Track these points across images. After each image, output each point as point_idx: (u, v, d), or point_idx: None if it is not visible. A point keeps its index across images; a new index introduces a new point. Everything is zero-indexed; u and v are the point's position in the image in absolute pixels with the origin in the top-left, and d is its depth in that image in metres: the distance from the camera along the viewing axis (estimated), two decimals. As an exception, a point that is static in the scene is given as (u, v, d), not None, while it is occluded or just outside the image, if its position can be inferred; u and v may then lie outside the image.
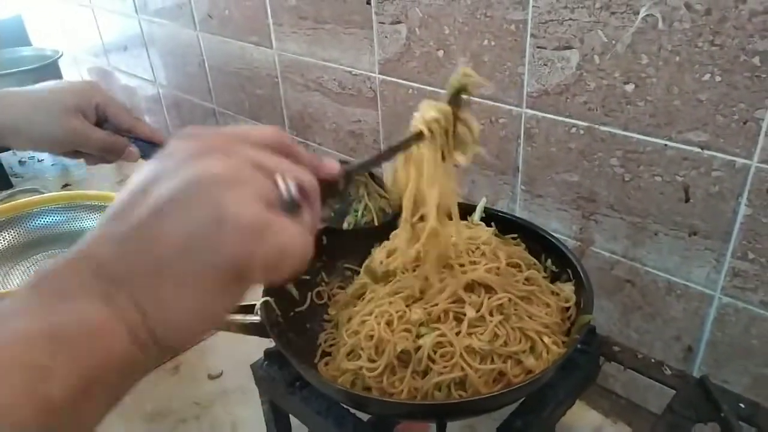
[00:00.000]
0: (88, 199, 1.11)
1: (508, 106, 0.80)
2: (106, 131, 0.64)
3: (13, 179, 1.53)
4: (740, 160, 0.62)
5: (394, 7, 0.87)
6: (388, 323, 0.62)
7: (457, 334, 0.60)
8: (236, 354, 0.90)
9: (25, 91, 0.63)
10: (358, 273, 0.76)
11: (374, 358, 0.61)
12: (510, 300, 0.63)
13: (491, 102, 0.81)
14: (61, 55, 1.56)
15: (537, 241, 0.73)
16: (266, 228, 0.29)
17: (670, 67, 0.63)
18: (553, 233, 0.73)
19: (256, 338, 0.66)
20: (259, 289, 0.67)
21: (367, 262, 0.74)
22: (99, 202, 1.10)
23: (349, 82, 1.02)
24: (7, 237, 1.06)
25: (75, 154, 0.69)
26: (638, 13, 0.63)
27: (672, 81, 0.64)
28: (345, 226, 0.66)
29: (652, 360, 0.67)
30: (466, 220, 0.75)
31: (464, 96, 0.56)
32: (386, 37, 0.91)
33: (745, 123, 0.61)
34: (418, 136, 0.54)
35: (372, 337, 0.61)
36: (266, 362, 0.69)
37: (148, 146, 0.68)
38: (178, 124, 1.57)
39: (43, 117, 0.61)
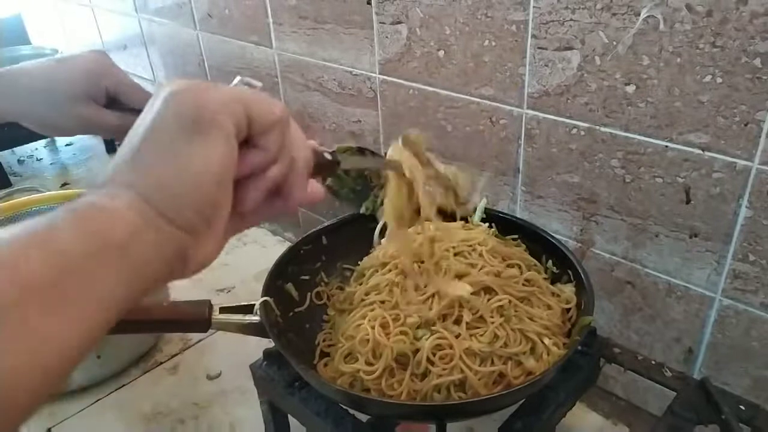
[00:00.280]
0: (87, 198, 1.10)
1: (508, 107, 0.80)
2: (117, 113, 0.61)
3: (11, 178, 1.53)
4: (741, 162, 0.62)
5: (394, 7, 0.87)
6: (383, 326, 0.62)
7: (457, 336, 0.60)
8: (235, 354, 0.90)
9: (30, 78, 0.59)
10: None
11: (372, 362, 0.61)
12: (510, 302, 0.63)
13: (492, 102, 0.81)
14: (61, 54, 1.56)
15: (537, 242, 0.73)
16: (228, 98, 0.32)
17: (671, 68, 0.63)
18: (553, 234, 0.73)
19: (255, 338, 0.66)
20: (258, 290, 0.67)
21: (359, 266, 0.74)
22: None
23: (349, 82, 1.01)
24: (5, 236, 1.05)
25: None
26: (639, 15, 0.63)
27: (673, 82, 0.64)
28: (362, 210, 0.68)
29: (653, 362, 0.67)
30: (466, 221, 0.75)
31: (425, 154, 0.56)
32: (387, 37, 0.91)
33: (746, 125, 0.60)
34: (397, 165, 0.55)
35: (367, 341, 0.61)
36: (265, 362, 0.69)
37: None
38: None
39: (52, 109, 0.59)
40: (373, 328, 0.62)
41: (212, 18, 1.24)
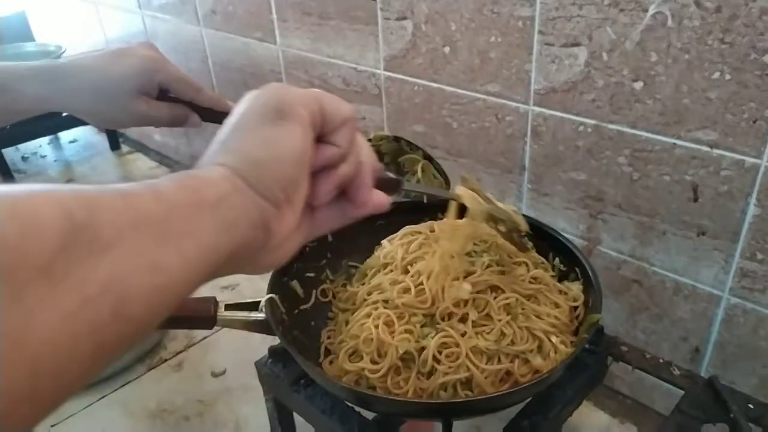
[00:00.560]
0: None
1: (515, 104, 0.79)
2: (168, 105, 0.64)
3: (16, 175, 1.54)
4: (749, 160, 0.62)
5: (399, 3, 0.87)
6: (387, 324, 0.62)
7: (463, 335, 0.60)
8: (240, 351, 0.90)
9: (88, 72, 0.62)
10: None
11: (376, 360, 0.61)
12: (517, 299, 0.62)
13: (498, 99, 0.81)
14: (64, 51, 1.56)
15: (545, 240, 0.72)
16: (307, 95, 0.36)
17: (679, 64, 0.63)
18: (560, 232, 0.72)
19: (260, 336, 0.66)
20: (263, 287, 0.66)
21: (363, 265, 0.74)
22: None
23: (354, 78, 1.01)
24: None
25: None
26: (647, 11, 0.63)
27: (681, 79, 0.63)
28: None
29: (661, 360, 0.67)
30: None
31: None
32: (392, 33, 0.90)
33: (754, 122, 0.60)
34: (458, 196, 0.59)
35: (371, 340, 0.61)
36: (270, 360, 0.68)
37: (211, 112, 0.69)
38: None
39: (108, 103, 0.62)
40: (377, 327, 0.61)
41: (216, 14, 1.23)
